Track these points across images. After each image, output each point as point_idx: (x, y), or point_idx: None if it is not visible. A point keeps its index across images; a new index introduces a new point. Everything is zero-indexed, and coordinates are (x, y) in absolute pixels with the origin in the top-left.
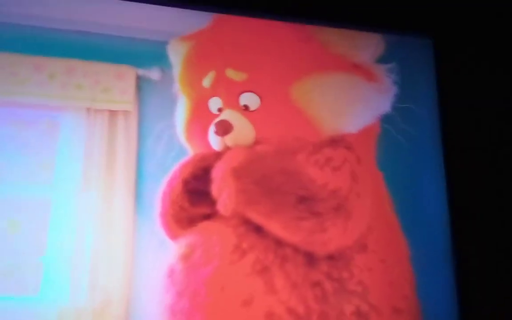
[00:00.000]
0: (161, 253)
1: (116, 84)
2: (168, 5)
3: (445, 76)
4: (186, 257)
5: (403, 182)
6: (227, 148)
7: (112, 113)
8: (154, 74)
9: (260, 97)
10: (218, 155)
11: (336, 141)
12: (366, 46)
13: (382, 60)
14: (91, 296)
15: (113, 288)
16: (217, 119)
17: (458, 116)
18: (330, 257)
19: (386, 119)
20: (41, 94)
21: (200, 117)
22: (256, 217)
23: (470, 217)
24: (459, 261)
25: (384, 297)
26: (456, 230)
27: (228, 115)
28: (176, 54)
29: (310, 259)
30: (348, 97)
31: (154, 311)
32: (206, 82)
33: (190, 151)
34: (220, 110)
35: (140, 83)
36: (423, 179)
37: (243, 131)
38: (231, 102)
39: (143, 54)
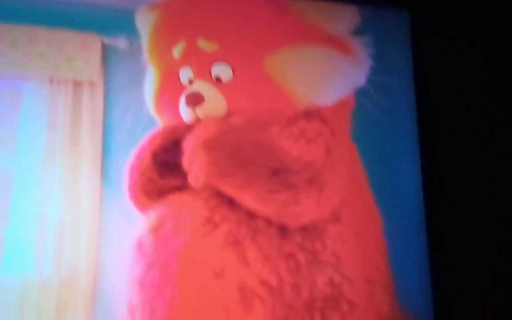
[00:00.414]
0: (129, 225)
1: (81, 53)
2: None
3: (421, 49)
4: (155, 229)
5: (377, 155)
6: (198, 120)
7: (77, 84)
8: (121, 43)
9: (233, 69)
10: (188, 127)
11: (310, 114)
12: (341, 18)
13: (357, 32)
14: (56, 269)
15: (79, 261)
16: (188, 91)
17: (433, 90)
18: (304, 229)
19: (361, 93)
20: (2, 63)
21: (170, 88)
22: (228, 190)
23: (444, 191)
24: (432, 235)
25: (357, 268)
26: (430, 204)
27: (199, 86)
28: (145, 23)
29: (283, 231)
30: (323, 70)
31: (123, 284)
32: (176, 52)
33: (159, 123)
34: (190, 81)
35: (106, 53)
36: (398, 153)
37: (215, 103)
38: (202, 73)
39: (109, 22)
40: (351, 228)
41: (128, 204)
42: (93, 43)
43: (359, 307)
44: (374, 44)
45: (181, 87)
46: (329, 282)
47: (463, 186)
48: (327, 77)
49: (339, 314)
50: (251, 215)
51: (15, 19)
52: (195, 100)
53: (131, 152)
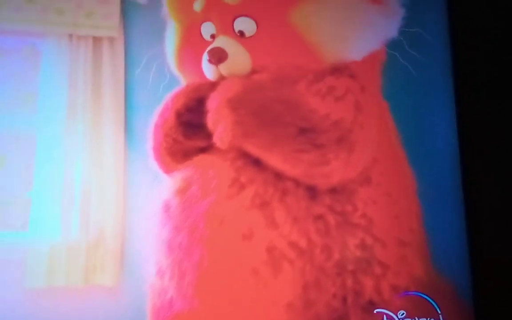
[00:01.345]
0: (155, 186)
1: (100, 8)
2: None
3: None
4: (182, 192)
5: (410, 112)
6: (222, 78)
7: (96, 40)
8: None
9: (256, 22)
10: (212, 85)
11: (338, 69)
12: None
13: None
14: (83, 231)
15: (106, 223)
16: (210, 47)
17: (471, 42)
18: (333, 190)
19: (392, 45)
20: (19, 20)
21: (192, 44)
22: (255, 150)
23: (480, 149)
24: (468, 195)
25: (389, 230)
26: (466, 163)
27: (222, 42)
28: None
29: (312, 192)
30: (351, 21)
31: (151, 246)
32: (197, 5)
33: (182, 81)
34: (213, 36)
35: (126, 7)
36: (432, 110)
37: (239, 59)
38: (225, 27)
39: None
40: (382, 189)
41: (153, 165)
42: None
43: (392, 270)
44: None
45: (204, 43)
46: (360, 244)
47: (500, 144)
48: (355, 29)
49: (372, 277)
50: (279, 176)
51: None
52: (218, 57)
53: (155, 111)
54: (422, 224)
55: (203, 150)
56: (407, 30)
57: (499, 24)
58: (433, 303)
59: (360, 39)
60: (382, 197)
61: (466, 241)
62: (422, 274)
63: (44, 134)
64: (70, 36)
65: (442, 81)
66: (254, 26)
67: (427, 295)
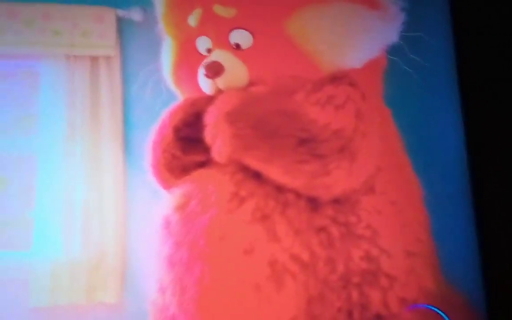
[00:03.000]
0: (155, 203)
1: (96, 27)
2: None
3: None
4: (182, 207)
5: (414, 118)
6: (219, 91)
7: (93, 59)
8: (135, 14)
9: (253, 34)
10: (210, 99)
11: (338, 78)
12: None
13: None
14: (85, 249)
15: (107, 241)
16: (207, 61)
17: (474, 44)
18: (336, 201)
19: (393, 50)
20: (18, 43)
21: (188, 58)
22: (254, 163)
23: (488, 152)
24: (477, 201)
25: (396, 240)
26: (474, 167)
27: (218, 55)
28: None
29: (314, 203)
30: (349, 29)
31: (152, 263)
32: (192, 20)
33: (179, 96)
34: (209, 50)
35: (121, 25)
36: (437, 115)
37: (236, 72)
38: (221, 41)
39: None
40: (387, 198)
41: (152, 181)
42: (108, 16)
43: (399, 282)
44: None
45: (200, 57)
46: (365, 256)
47: (509, 147)
48: (354, 36)
49: (378, 289)
50: (279, 189)
51: None
52: (215, 70)
53: (152, 128)
54: (430, 233)
55: (202, 164)
56: (408, 34)
57: (503, 24)
58: (444, 316)
59: (359, 46)
60: (387, 206)
61: (478, 250)
62: (432, 286)
63: (44, 155)
64: (68, 56)
65: (446, 85)
66: (250, 38)
67: (437, 308)
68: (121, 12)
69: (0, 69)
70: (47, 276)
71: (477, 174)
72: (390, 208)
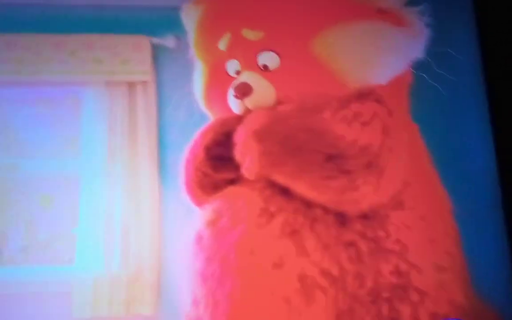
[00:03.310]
0: (188, 219)
1: (134, 55)
2: None
3: (485, 14)
4: (213, 223)
5: (442, 133)
6: (247, 111)
7: (131, 85)
8: (169, 42)
9: (279, 55)
10: (239, 119)
11: (364, 95)
12: None
13: (411, 2)
14: (124, 264)
15: (144, 256)
16: (236, 82)
17: (502, 57)
18: (364, 216)
19: (419, 66)
20: (64, 71)
21: (218, 81)
22: (282, 179)
23: None
24: (508, 213)
25: (425, 255)
26: (505, 180)
27: (246, 77)
28: (190, 18)
29: (342, 219)
30: (375, 46)
31: (185, 277)
32: (222, 44)
33: (210, 117)
34: (238, 72)
35: (156, 52)
36: (465, 129)
37: (263, 92)
38: (249, 63)
39: (157, 22)
40: (415, 213)
41: (185, 199)
42: (144, 44)
43: (430, 296)
44: (432, 12)
45: (229, 79)
46: (395, 270)
47: None
48: (379, 53)
49: (409, 304)
50: (307, 204)
51: (72, 29)
52: (244, 91)
53: (185, 148)
54: (460, 247)
55: (232, 182)
56: (434, 50)
57: None
58: None
59: (384, 63)
60: (416, 221)
61: (509, 264)
62: (463, 300)
63: (87, 175)
64: (108, 83)
65: (474, 99)
66: (277, 59)
67: None
68: (156, 40)
69: (47, 95)
70: (89, 289)
71: (507, 187)
72: (419, 223)
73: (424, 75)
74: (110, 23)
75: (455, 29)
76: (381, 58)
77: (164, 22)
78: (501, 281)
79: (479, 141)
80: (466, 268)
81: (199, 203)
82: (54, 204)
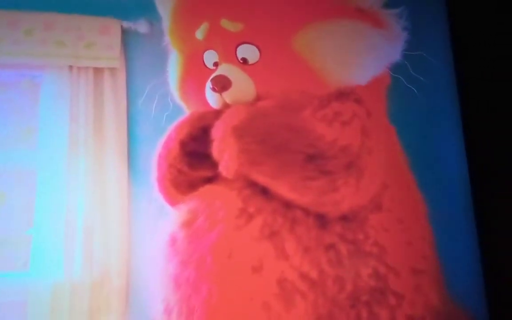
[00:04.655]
0: (160, 220)
1: (100, 39)
2: None
3: (459, 19)
4: (188, 224)
5: (417, 136)
6: (226, 106)
7: (97, 71)
8: (141, 27)
9: (259, 49)
10: (217, 113)
11: (344, 94)
12: None
13: (389, 4)
14: (87, 270)
15: (110, 260)
16: (214, 75)
17: (474, 62)
18: (343, 218)
19: (396, 68)
20: (18, 53)
21: (194, 72)
22: (262, 179)
23: (491, 170)
24: (480, 217)
25: (403, 258)
26: (477, 185)
27: (225, 69)
28: (165, 4)
29: (322, 220)
30: (355, 46)
31: (157, 283)
32: (199, 34)
33: (185, 110)
34: (216, 64)
35: (127, 38)
36: (439, 132)
37: (243, 86)
38: (228, 55)
39: (128, 5)
40: (393, 215)
41: (157, 197)
42: (113, 27)
43: (406, 299)
44: (408, 15)
45: (207, 71)
46: (373, 273)
47: (510, 164)
48: (359, 53)
49: (387, 308)
50: (287, 205)
51: (29, 5)
52: (222, 84)
53: (158, 142)
54: (435, 250)
55: (209, 180)
56: (410, 53)
57: (501, 43)
58: None
59: (364, 64)
60: (393, 224)
61: (481, 266)
62: (437, 303)
63: (44, 170)
64: (71, 67)
65: (448, 103)
66: (257, 53)
67: None
68: (126, 24)
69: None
70: (46, 298)
71: (479, 190)
72: (397, 226)
73: (400, 77)
74: (74, 2)
75: (429, 33)
76: (361, 57)
77: (136, 5)
78: (473, 284)
79: (452, 144)
80: (440, 271)
81: (173, 202)
82: (6, 201)
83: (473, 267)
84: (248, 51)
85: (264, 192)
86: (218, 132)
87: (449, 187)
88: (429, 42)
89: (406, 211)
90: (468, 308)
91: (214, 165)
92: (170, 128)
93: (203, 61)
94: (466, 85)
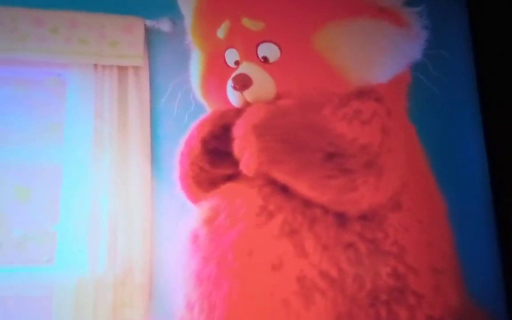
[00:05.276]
0: (183, 217)
1: (124, 37)
2: None
3: (479, 18)
4: (210, 221)
5: (437, 135)
6: (247, 104)
7: (122, 69)
8: (164, 25)
9: (280, 48)
10: (238, 112)
11: (364, 93)
12: None
13: (410, 3)
14: (111, 265)
15: (134, 256)
16: (235, 73)
17: (494, 62)
18: (363, 217)
19: (416, 67)
20: (43, 50)
21: (216, 71)
22: (282, 177)
23: (511, 169)
24: (501, 217)
25: (422, 258)
26: (497, 184)
27: (246, 68)
28: (187, 3)
29: (342, 219)
30: (375, 44)
31: (179, 279)
32: (221, 32)
33: (207, 108)
34: (237, 63)
35: (150, 36)
36: (460, 131)
37: (263, 84)
38: (249, 54)
39: (151, 4)
40: (413, 215)
41: (180, 195)
42: (136, 26)
43: (426, 299)
44: (429, 14)
45: (228, 69)
46: (392, 273)
47: None
48: (380, 52)
49: (406, 307)
50: (307, 203)
51: (54, 4)
52: (243, 83)
53: (180, 140)
54: (454, 250)
55: (230, 178)
56: (431, 52)
57: None
58: None
59: (384, 62)
60: (413, 223)
61: (500, 266)
62: (457, 303)
63: (70, 166)
64: (95, 66)
65: (468, 102)
66: (278, 51)
67: None
68: (149, 23)
69: (25, 76)
70: (71, 292)
71: (499, 190)
72: (417, 225)
73: (421, 76)
74: (99, 0)
75: (450, 32)
76: (382, 56)
77: (159, 4)
78: (493, 285)
79: (472, 143)
80: (459, 271)
81: (194, 199)
82: (32, 197)
83: (493, 267)
84: (269, 50)
85: (284, 190)
86: (239, 130)
87: (469, 186)
88: (449, 41)
89: (426, 210)
90: (488, 308)
91: (235, 163)
92: (192, 126)
93: (225, 59)
94: (487, 84)
